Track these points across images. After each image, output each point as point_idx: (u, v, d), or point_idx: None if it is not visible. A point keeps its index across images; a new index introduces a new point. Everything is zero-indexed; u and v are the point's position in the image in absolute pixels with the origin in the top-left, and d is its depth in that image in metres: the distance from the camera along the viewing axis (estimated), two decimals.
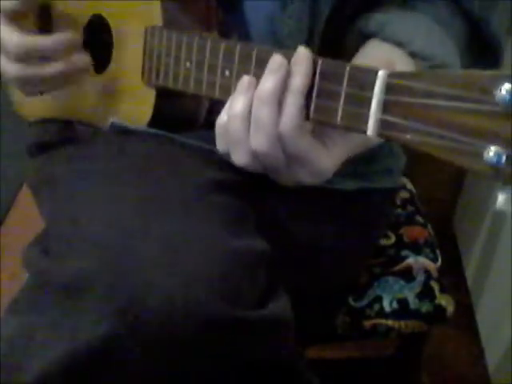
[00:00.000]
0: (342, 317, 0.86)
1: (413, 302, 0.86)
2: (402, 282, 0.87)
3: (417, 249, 0.92)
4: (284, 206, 0.69)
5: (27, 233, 0.65)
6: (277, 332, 0.57)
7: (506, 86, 0.41)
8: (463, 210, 1.70)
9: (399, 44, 0.60)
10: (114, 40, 0.69)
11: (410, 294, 0.86)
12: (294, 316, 0.58)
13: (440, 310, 0.87)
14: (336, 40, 0.67)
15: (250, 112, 0.54)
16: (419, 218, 0.99)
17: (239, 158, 0.56)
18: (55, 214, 0.65)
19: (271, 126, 0.53)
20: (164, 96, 0.66)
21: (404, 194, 1.04)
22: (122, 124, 0.67)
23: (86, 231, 0.55)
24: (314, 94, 0.52)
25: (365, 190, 0.77)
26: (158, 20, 0.64)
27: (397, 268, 0.89)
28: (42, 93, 0.72)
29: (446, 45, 0.63)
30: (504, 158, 0.41)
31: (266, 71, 0.53)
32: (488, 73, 0.42)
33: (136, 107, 0.68)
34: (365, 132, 0.49)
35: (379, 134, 0.49)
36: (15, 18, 0.65)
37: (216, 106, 0.60)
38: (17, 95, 0.82)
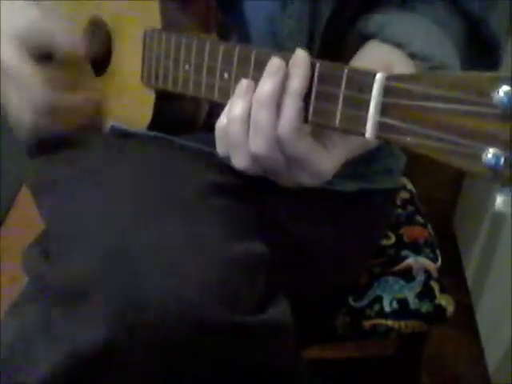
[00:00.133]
0: (342, 317, 0.86)
1: (413, 302, 0.86)
2: (401, 282, 0.88)
3: (417, 249, 0.92)
4: (284, 207, 0.69)
5: (27, 233, 0.65)
6: (276, 337, 0.57)
7: (504, 88, 0.40)
8: (463, 210, 1.70)
9: (398, 45, 0.60)
10: (114, 42, 0.69)
11: (410, 294, 0.86)
12: (294, 316, 0.58)
13: (440, 310, 0.87)
14: (336, 40, 0.67)
15: (249, 115, 0.54)
16: (419, 218, 0.99)
17: (239, 162, 0.56)
18: (55, 216, 0.65)
19: (270, 128, 0.53)
20: (164, 98, 0.66)
21: (404, 194, 1.04)
22: (121, 127, 0.67)
23: (86, 233, 0.55)
24: (313, 97, 0.52)
25: (365, 191, 0.77)
26: (156, 22, 0.64)
27: (397, 268, 0.89)
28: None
29: (445, 45, 0.63)
30: (502, 159, 0.41)
31: (265, 74, 0.53)
32: (486, 75, 0.42)
33: (136, 110, 0.68)
34: (363, 134, 0.49)
35: (377, 137, 0.48)
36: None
37: (216, 109, 0.60)
38: None
